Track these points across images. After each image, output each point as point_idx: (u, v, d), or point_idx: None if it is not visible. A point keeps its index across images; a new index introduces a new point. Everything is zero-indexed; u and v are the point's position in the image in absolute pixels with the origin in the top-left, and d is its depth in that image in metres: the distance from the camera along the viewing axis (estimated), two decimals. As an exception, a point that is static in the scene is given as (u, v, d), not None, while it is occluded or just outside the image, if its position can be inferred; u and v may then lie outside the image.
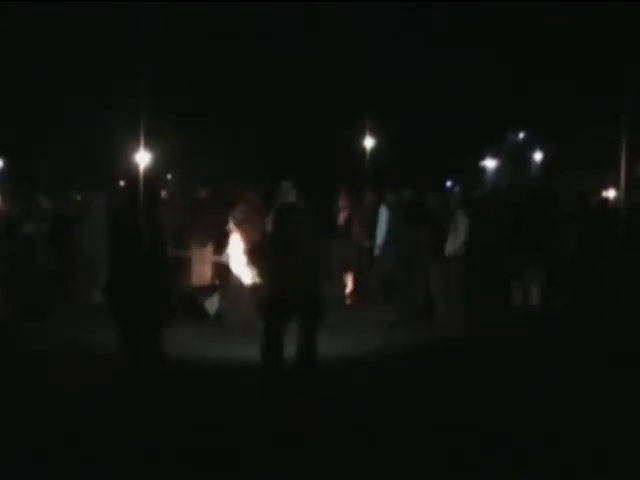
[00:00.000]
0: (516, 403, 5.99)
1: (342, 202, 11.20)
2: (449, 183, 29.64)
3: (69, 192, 13.53)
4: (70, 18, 28.40)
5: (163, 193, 11.56)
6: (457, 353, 7.83)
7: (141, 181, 5.82)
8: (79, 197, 13.43)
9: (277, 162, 28.04)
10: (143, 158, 17.52)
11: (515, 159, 42.47)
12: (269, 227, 7.90)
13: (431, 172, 28.57)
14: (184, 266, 9.71)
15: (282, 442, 5.16)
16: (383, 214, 10.73)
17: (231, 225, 9.13)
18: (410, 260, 9.48)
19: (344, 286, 10.91)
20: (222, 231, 9.38)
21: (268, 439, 5.21)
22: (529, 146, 41.73)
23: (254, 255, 6.62)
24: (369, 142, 26.65)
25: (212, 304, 9.58)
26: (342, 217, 11.16)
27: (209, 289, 9.75)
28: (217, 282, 9.76)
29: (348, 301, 10.89)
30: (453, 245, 9.42)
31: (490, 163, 44.77)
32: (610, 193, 19.85)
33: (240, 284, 9.06)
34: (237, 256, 9.05)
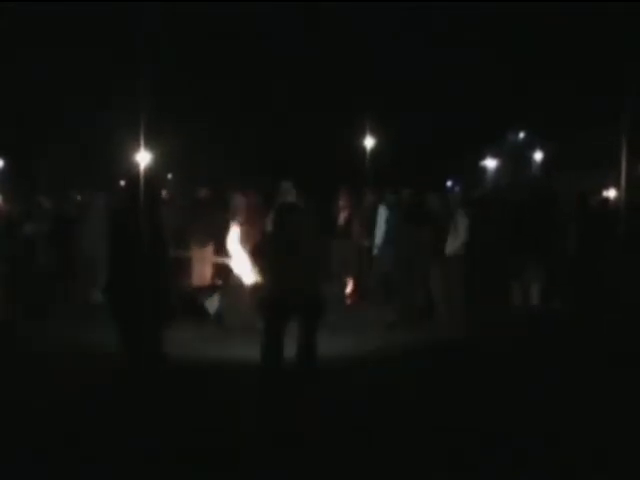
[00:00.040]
0: (516, 403, 5.99)
1: (342, 202, 11.19)
2: (449, 183, 29.61)
3: (69, 192, 13.53)
4: (70, 18, 28.41)
5: (164, 193, 11.57)
6: (457, 353, 7.83)
7: (141, 181, 5.82)
8: (79, 197, 13.43)
9: (277, 162, 28.04)
10: (143, 158, 17.51)
11: (515, 159, 42.46)
12: (269, 227, 7.90)
13: (431, 172, 28.55)
14: (184, 266, 9.71)
15: (282, 442, 5.16)
16: (382, 214, 10.74)
17: (232, 224, 9.13)
18: (410, 260, 9.48)
19: (344, 286, 10.91)
20: (222, 231, 9.38)
21: (268, 439, 5.21)
22: (529, 146, 41.73)
23: (254, 255, 6.62)
24: (369, 142, 26.65)
25: (212, 304, 9.58)
26: (342, 217, 11.16)
27: (209, 289, 9.75)
28: (217, 282, 9.76)
29: (348, 301, 10.89)
30: (453, 245, 9.42)
31: (490, 163, 44.78)
32: (610, 193, 19.84)
33: (240, 284, 9.06)
34: (238, 256, 9.05)
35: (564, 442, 5.16)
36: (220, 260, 9.57)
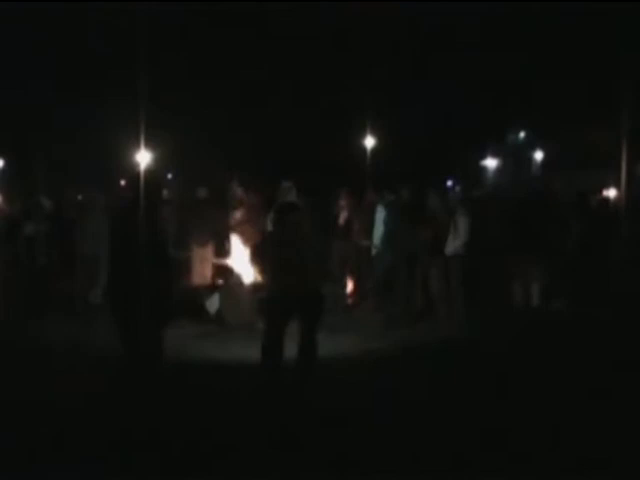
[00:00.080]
0: (516, 403, 5.99)
1: (342, 202, 11.19)
2: (449, 183, 29.60)
3: (69, 192, 13.52)
4: (70, 18, 28.41)
5: (165, 192, 11.56)
6: (457, 353, 7.83)
7: (142, 181, 5.82)
8: (79, 197, 13.42)
9: (277, 162, 28.03)
10: (143, 158, 17.47)
11: (516, 159, 42.46)
12: (269, 227, 7.91)
13: (431, 172, 28.54)
14: (184, 266, 9.71)
15: (282, 442, 5.16)
16: (381, 213, 10.73)
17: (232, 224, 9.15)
18: (410, 260, 9.48)
19: (344, 286, 10.90)
20: (222, 231, 9.39)
21: (267, 439, 5.21)
22: (529, 146, 41.73)
23: (255, 254, 6.63)
24: (369, 142, 26.64)
25: (212, 304, 9.58)
26: (342, 217, 11.16)
27: (209, 289, 9.75)
28: (217, 282, 9.76)
29: (348, 301, 10.89)
30: (453, 245, 9.42)
31: (491, 163, 44.77)
32: (610, 192, 19.83)
33: (240, 284, 9.08)
34: (238, 255, 9.07)
35: (564, 442, 5.16)
36: (220, 261, 9.58)
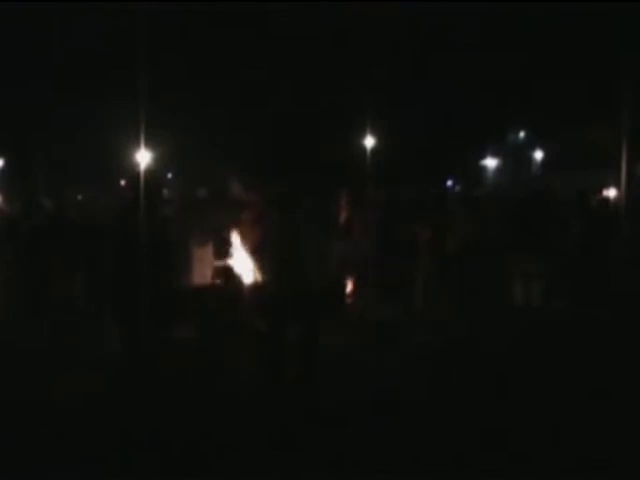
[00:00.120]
0: (516, 403, 5.99)
1: (342, 202, 11.18)
2: (449, 182, 29.63)
3: (69, 192, 13.52)
4: (70, 18, 28.41)
5: (165, 192, 11.56)
6: (457, 353, 7.83)
7: (142, 181, 5.82)
8: (79, 197, 13.43)
9: (277, 162, 28.01)
10: (143, 158, 17.49)
11: (516, 158, 42.46)
12: (269, 227, 7.89)
13: (431, 172, 28.55)
14: (184, 266, 9.69)
15: (282, 442, 5.16)
16: (381, 213, 10.72)
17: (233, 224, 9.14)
18: (409, 260, 9.47)
19: (344, 286, 10.89)
20: (222, 232, 9.38)
21: (267, 439, 5.21)
22: (529, 146, 41.73)
23: (255, 254, 6.63)
24: (369, 142, 26.64)
25: (213, 304, 9.56)
26: (342, 217, 11.15)
27: (209, 289, 9.73)
28: (217, 282, 9.74)
29: (348, 301, 10.87)
30: (453, 245, 9.41)
31: (491, 162, 44.78)
32: (611, 192, 19.83)
33: (240, 284, 9.06)
34: (238, 256, 9.04)
35: (564, 442, 5.16)
36: (220, 263, 9.57)
